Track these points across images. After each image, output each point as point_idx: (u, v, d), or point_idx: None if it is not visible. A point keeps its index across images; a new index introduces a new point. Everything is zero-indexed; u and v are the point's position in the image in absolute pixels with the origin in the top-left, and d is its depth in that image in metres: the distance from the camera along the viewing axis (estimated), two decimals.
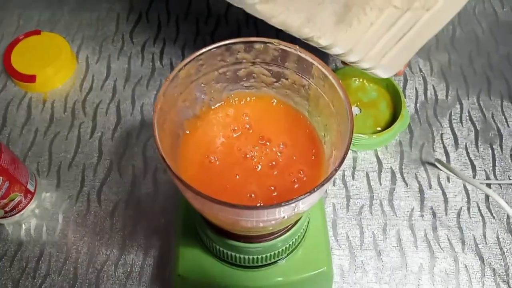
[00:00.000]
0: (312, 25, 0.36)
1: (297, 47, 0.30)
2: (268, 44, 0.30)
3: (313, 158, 0.32)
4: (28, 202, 0.47)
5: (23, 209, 0.47)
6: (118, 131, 0.55)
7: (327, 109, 0.29)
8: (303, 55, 0.29)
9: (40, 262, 0.48)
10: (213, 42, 0.63)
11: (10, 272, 0.47)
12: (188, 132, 0.32)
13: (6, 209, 0.45)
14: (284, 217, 0.27)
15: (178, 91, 0.29)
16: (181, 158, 0.31)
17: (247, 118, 0.34)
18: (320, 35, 0.38)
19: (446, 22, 0.43)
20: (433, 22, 0.42)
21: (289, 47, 0.30)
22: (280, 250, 0.37)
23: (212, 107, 0.33)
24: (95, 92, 0.58)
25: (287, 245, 0.38)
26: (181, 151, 0.31)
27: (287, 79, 0.31)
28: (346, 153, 0.24)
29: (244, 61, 0.31)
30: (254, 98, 0.33)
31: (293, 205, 0.24)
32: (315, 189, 0.24)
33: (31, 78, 0.56)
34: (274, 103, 0.34)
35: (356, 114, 0.57)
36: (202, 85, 0.31)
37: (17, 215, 0.47)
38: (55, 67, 0.57)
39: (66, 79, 0.59)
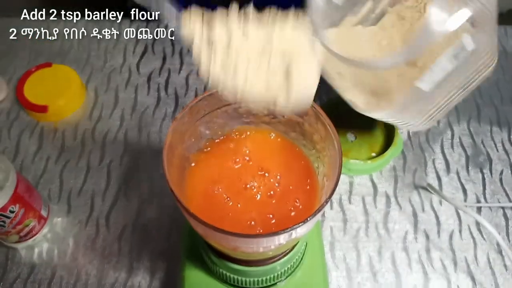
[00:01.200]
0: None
1: None
2: None
3: (308, 187, 0.34)
4: (41, 227, 0.50)
5: (36, 233, 0.49)
6: (125, 159, 0.58)
7: (320, 144, 0.32)
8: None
9: (52, 284, 0.50)
10: None
11: None
12: (193, 164, 0.35)
13: (21, 234, 0.47)
14: (282, 243, 0.30)
15: (185, 128, 0.32)
16: (187, 189, 0.33)
17: (247, 150, 0.37)
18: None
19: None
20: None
21: None
22: (279, 272, 0.40)
23: (216, 141, 0.36)
24: (104, 121, 0.61)
25: (286, 268, 0.40)
26: (187, 182, 0.34)
27: (283, 116, 0.34)
28: (335, 185, 0.27)
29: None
30: (253, 132, 0.36)
31: (289, 233, 0.27)
32: (309, 218, 0.26)
33: (43, 109, 0.59)
34: (272, 137, 0.37)
35: (352, 141, 0.60)
36: (207, 122, 0.34)
37: (31, 240, 0.50)
38: (65, 97, 0.60)
39: (76, 108, 0.62)
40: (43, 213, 0.49)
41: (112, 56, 0.67)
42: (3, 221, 0.44)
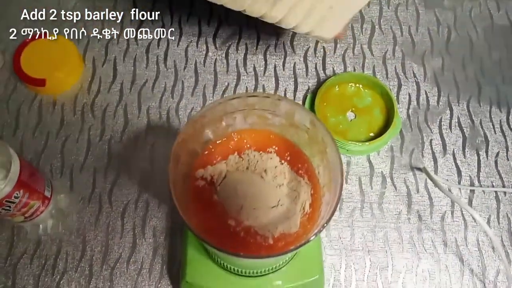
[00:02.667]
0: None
1: (299, 105, 0.33)
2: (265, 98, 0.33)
3: (311, 192, 0.35)
4: (45, 207, 0.51)
5: (41, 213, 0.51)
6: (126, 134, 0.59)
7: (321, 155, 0.32)
8: (299, 109, 0.32)
9: (58, 259, 0.52)
10: (215, 43, 0.65)
11: (30, 269, 0.52)
12: (195, 170, 0.35)
13: (26, 215, 0.49)
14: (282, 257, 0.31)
15: (189, 137, 0.32)
16: (190, 196, 0.34)
17: (248, 145, 0.37)
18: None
19: None
20: None
21: (291, 103, 0.33)
22: (280, 262, 0.42)
23: (217, 142, 0.36)
24: (103, 95, 0.61)
25: (286, 258, 0.42)
26: (189, 190, 0.34)
27: (284, 122, 0.34)
28: (334, 211, 0.28)
29: (246, 108, 0.33)
30: (254, 134, 0.36)
31: (291, 252, 0.28)
32: (311, 238, 0.28)
33: (42, 82, 0.58)
34: (272, 137, 0.37)
35: (351, 119, 0.60)
36: (211, 128, 0.34)
37: (36, 218, 0.51)
38: (64, 71, 0.59)
39: (74, 81, 0.61)
40: (47, 193, 0.50)
41: (109, 25, 0.65)
42: (9, 206, 0.45)
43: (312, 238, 0.28)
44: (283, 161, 0.36)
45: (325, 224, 0.28)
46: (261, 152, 0.36)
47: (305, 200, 0.34)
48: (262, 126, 0.36)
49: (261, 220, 0.33)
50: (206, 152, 0.36)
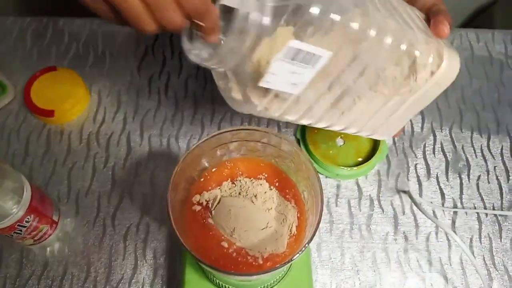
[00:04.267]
0: (310, 115, 0.40)
1: (286, 137, 0.36)
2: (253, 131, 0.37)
3: (298, 215, 0.39)
4: (54, 231, 0.54)
5: (49, 236, 0.54)
6: (128, 161, 0.62)
7: (305, 181, 0.36)
8: (285, 141, 0.36)
9: (64, 280, 0.55)
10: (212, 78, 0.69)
11: None
12: (192, 196, 0.39)
13: (35, 238, 0.52)
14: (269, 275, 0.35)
15: (187, 166, 0.36)
16: (187, 220, 0.38)
17: (240, 172, 0.41)
18: (316, 121, 0.41)
19: (435, 97, 0.46)
20: (420, 100, 0.45)
21: (275, 134, 0.36)
22: (272, 281, 0.45)
23: (213, 170, 0.40)
24: (107, 124, 0.65)
25: (278, 277, 0.45)
26: (186, 214, 0.38)
27: (273, 152, 0.38)
28: (315, 233, 0.31)
29: (238, 140, 0.37)
30: (246, 162, 0.40)
31: (278, 270, 0.31)
32: (293, 259, 0.31)
33: (50, 113, 0.62)
34: (262, 165, 0.41)
35: (341, 145, 0.64)
36: (206, 157, 0.37)
37: (44, 241, 0.54)
38: (71, 102, 0.63)
39: (81, 111, 0.65)
40: (55, 218, 0.54)
41: (114, 59, 0.70)
42: (20, 230, 0.48)
43: (295, 257, 0.32)
44: (272, 187, 0.39)
45: (306, 245, 0.32)
46: (252, 178, 0.40)
47: (292, 223, 0.38)
48: (253, 155, 0.40)
49: (252, 241, 0.36)
50: (202, 179, 0.40)
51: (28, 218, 0.48)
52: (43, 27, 0.72)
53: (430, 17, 0.41)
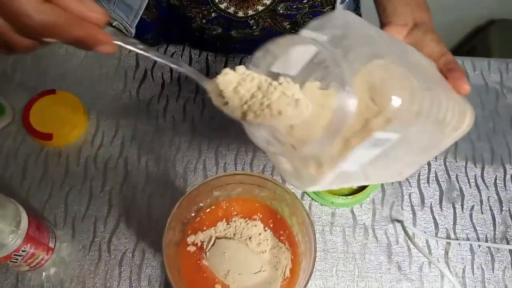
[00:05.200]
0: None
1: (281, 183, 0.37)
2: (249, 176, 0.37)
3: (292, 257, 0.39)
4: (49, 257, 0.55)
5: (45, 262, 0.54)
6: (125, 186, 0.63)
7: (299, 226, 0.37)
8: (280, 187, 0.37)
9: None
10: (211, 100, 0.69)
11: None
12: (187, 236, 0.40)
13: (31, 265, 0.52)
14: None
15: (183, 210, 0.36)
16: (181, 261, 0.38)
17: (235, 212, 0.42)
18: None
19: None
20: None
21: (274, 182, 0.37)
22: None
23: (207, 210, 0.41)
24: (105, 147, 0.65)
25: None
26: (180, 255, 0.38)
27: (268, 194, 0.39)
28: (307, 282, 0.32)
29: (235, 182, 0.38)
30: (241, 202, 0.41)
31: None
32: None
33: (48, 136, 0.63)
34: (257, 205, 0.41)
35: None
36: (202, 199, 0.38)
37: (40, 268, 0.55)
38: (70, 125, 0.64)
39: (79, 135, 0.66)
40: (51, 244, 0.54)
41: (113, 82, 0.70)
42: (16, 259, 0.49)
43: None
44: (266, 228, 0.40)
45: None
46: (246, 219, 0.40)
47: (285, 266, 0.38)
48: (249, 195, 0.40)
49: (246, 285, 0.37)
50: (198, 219, 0.40)
51: (24, 248, 0.48)
52: (43, 48, 0.72)
53: (446, 73, 0.41)
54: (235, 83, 0.33)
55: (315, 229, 0.35)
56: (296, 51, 0.34)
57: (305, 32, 0.34)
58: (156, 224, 0.60)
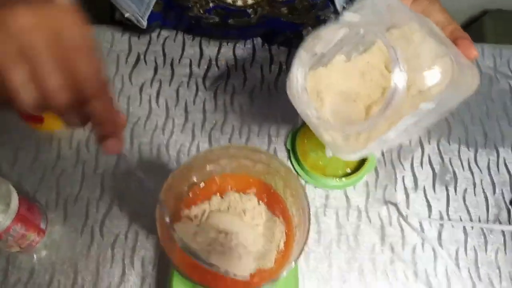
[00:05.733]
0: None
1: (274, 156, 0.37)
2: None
3: (286, 231, 0.39)
4: (41, 239, 0.54)
5: (36, 244, 0.54)
6: (118, 169, 0.62)
7: (293, 198, 0.36)
8: (274, 159, 0.37)
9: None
10: (204, 84, 0.69)
11: None
12: (181, 210, 0.39)
13: (22, 246, 0.52)
14: None
15: (176, 182, 0.36)
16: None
17: (229, 186, 0.41)
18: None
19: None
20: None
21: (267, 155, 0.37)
22: None
23: (201, 186, 0.40)
24: None
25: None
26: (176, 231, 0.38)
27: (262, 168, 0.39)
28: (302, 250, 0.32)
29: (228, 157, 0.38)
30: (235, 177, 0.41)
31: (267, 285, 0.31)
32: (279, 277, 0.31)
33: (39, 119, 0.62)
34: (251, 180, 0.41)
35: (330, 156, 0.64)
36: (195, 173, 0.38)
37: (31, 249, 0.54)
38: None
39: None
40: (42, 226, 0.54)
41: (105, 66, 0.69)
42: (6, 239, 0.48)
43: (282, 274, 0.32)
44: (260, 202, 0.40)
45: (293, 263, 0.32)
46: (241, 193, 0.40)
47: (280, 239, 0.38)
48: (243, 170, 0.40)
49: None
50: (191, 194, 0.40)
51: (15, 227, 0.48)
52: None
53: (454, 41, 0.43)
54: None
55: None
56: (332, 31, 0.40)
57: (346, 16, 0.39)
58: (149, 207, 0.60)
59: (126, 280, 0.56)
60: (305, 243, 0.32)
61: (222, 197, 0.40)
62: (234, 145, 0.38)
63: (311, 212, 0.60)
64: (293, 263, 0.32)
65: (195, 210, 0.39)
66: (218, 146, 0.37)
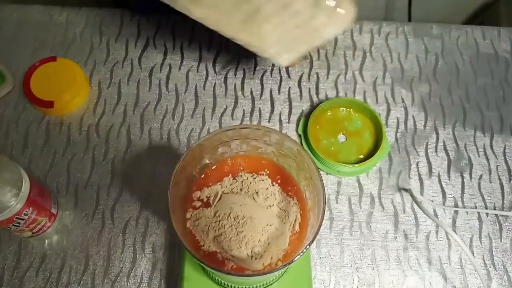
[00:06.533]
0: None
1: (288, 136, 0.36)
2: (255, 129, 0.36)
3: (300, 212, 0.38)
4: (52, 223, 0.54)
5: (47, 229, 0.54)
6: (128, 154, 0.62)
7: (307, 181, 0.36)
8: (288, 140, 0.36)
9: (62, 273, 0.55)
10: (215, 68, 0.69)
11: (36, 282, 0.54)
12: (192, 192, 0.39)
13: (34, 231, 0.52)
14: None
15: (188, 164, 0.35)
16: (186, 218, 0.37)
17: (241, 168, 0.41)
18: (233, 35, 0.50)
19: (329, 37, 0.54)
20: (319, 32, 0.52)
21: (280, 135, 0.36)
22: (272, 278, 0.44)
23: (213, 167, 0.40)
24: (107, 116, 0.64)
25: (277, 275, 0.45)
26: (187, 211, 0.38)
27: (274, 150, 0.38)
28: (317, 233, 0.31)
29: (240, 138, 0.37)
30: (247, 159, 0.40)
31: (277, 271, 0.31)
32: (293, 260, 0.31)
33: (50, 104, 0.62)
34: (264, 162, 0.40)
35: (342, 142, 0.63)
36: (207, 155, 0.37)
37: (42, 234, 0.54)
38: (71, 93, 0.63)
39: (81, 103, 0.64)
40: (53, 210, 0.54)
41: (115, 50, 0.69)
42: (18, 223, 0.48)
43: (296, 258, 0.31)
44: (274, 183, 0.39)
45: (308, 246, 0.32)
46: (253, 174, 0.39)
47: (294, 220, 0.37)
48: (255, 153, 0.39)
49: (253, 239, 0.36)
50: (203, 176, 0.39)
51: (26, 211, 0.48)
52: (43, 16, 0.71)
53: None
54: None
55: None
56: None
57: None
58: (160, 192, 0.60)
59: (137, 266, 0.56)
60: (320, 225, 0.31)
61: (234, 178, 0.39)
62: (246, 124, 0.37)
63: None
64: (308, 246, 0.31)
65: (207, 192, 0.38)
66: (231, 125, 0.36)
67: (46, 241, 0.56)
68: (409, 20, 0.90)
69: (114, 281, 0.55)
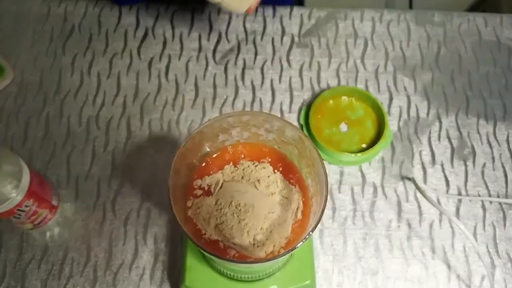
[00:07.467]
0: None
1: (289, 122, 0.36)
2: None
3: (303, 199, 0.38)
4: (53, 215, 0.54)
5: (48, 221, 0.54)
6: (128, 145, 0.61)
7: (309, 168, 0.35)
8: (289, 126, 0.35)
9: (64, 265, 0.55)
10: (215, 58, 0.68)
11: (38, 274, 0.54)
12: (193, 180, 0.38)
13: (35, 223, 0.52)
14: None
15: (188, 151, 0.35)
16: (187, 206, 0.37)
17: (242, 155, 0.40)
18: None
19: None
20: None
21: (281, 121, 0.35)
22: (275, 267, 0.44)
23: (214, 156, 0.39)
24: (107, 107, 0.64)
25: (280, 264, 0.44)
26: (188, 199, 0.37)
27: (275, 137, 0.37)
28: (319, 220, 0.31)
29: (241, 125, 0.36)
30: (248, 147, 0.39)
31: (279, 258, 0.30)
32: (296, 247, 0.30)
33: None
34: (265, 150, 0.40)
35: (345, 131, 0.63)
36: (208, 142, 0.36)
37: (43, 226, 0.54)
38: None
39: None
40: (54, 202, 0.53)
41: (113, 40, 0.68)
42: (19, 215, 0.48)
43: (299, 245, 0.31)
44: (275, 171, 0.39)
45: (311, 233, 0.31)
46: (255, 162, 0.39)
47: (297, 208, 0.37)
48: (256, 140, 0.39)
49: (255, 226, 0.36)
50: (204, 164, 0.39)
51: (27, 203, 0.47)
52: (42, 8, 0.70)
53: None
54: None
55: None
56: None
57: None
58: (161, 184, 0.59)
59: (139, 258, 0.55)
60: (322, 212, 0.31)
61: (235, 166, 0.39)
62: (247, 111, 0.37)
63: None
64: (311, 233, 0.31)
65: (208, 180, 0.38)
66: (231, 112, 0.36)
67: (48, 233, 0.56)
68: (411, 7, 0.89)
69: (116, 273, 0.55)
